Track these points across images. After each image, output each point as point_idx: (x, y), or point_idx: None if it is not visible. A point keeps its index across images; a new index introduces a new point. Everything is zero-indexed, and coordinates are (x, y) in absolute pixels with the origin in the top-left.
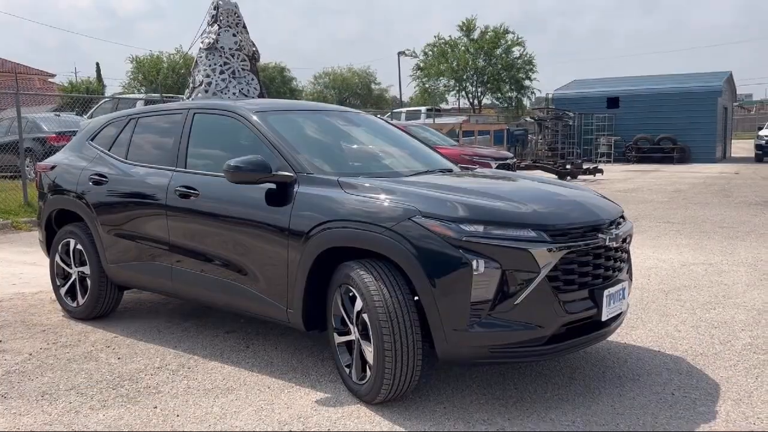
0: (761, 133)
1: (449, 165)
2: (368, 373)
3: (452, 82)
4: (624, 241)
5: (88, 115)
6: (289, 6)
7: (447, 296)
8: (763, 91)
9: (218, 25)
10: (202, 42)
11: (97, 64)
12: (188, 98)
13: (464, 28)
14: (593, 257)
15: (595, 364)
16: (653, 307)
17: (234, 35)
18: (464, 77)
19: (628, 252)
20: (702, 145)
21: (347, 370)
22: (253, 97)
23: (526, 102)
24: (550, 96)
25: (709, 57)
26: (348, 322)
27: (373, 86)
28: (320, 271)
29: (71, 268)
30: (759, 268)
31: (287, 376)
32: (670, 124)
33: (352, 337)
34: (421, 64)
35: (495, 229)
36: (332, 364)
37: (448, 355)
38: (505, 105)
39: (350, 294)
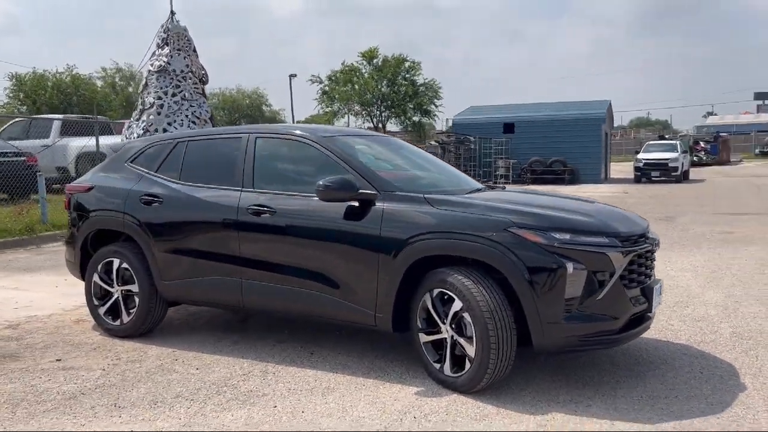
0: (639, 156)
1: (480, 184)
2: (466, 365)
3: (358, 107)
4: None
5: None
6: (157, 24)
7: (544, 294)
8: (619, 118)
9: (169, 47)
10: (151, 64)
11: None
12: (138, 120)
13: (366, 56)
14: (644, 259)
15: (623, 354)
16: None
17: (185, 58)
18: (370, 102)
19: None
20: (589, 167)
21: (437, 365)
22: (204, 120)
23: (436, 125)
24: (450, 121)
25: (569, 86)
26: (439, 322)
27: (264, 108)
28: (407, 278)
29: (113, 288)
30: (700, 273)
31: (370, 375)
32: (560, 148)
33: (442, 335)
34: (327, 89)
35: (578, 237)
36: (402, 362)
37: (544, 345)
38: (409, 129)
39: (445, 297)
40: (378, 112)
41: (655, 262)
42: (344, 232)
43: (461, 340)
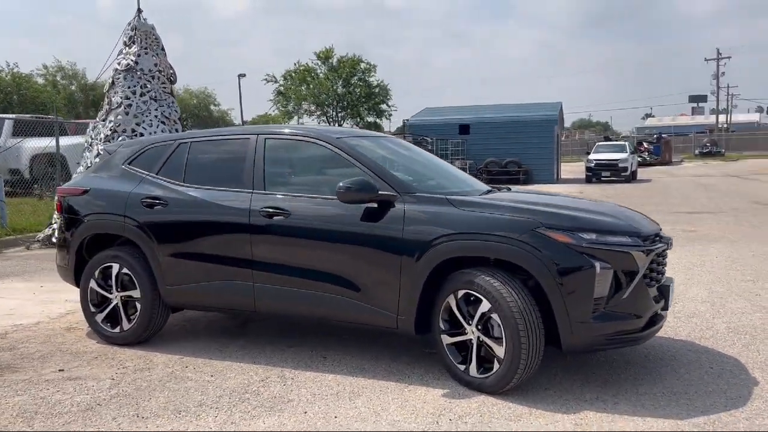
0: (590, 156)
1: (485, 185)
2: (495, 366)
3: (313, 107)
4: None
5: None
6: (96, 22)
7: (573, 294)
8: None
9: (137, 46)
10: (118, 63)
11: None
12: (104, 120)
13: (322, 57)
14: (660, 258)
15: (633, 351)
16: None
17: (153, 57)
18: (325, 102)
19: None
20: (542, 168)
21: (461, 367)
22: (174, 120)
23: (386, 126)
24: (407, 122)
25: (516, 87)
26: (463, 324)
27: (212, 108)
28: (430, 279)
29: (111, 294)
30: (678, 270)
31: (391, 378)
32: (515, 149)
33: (467, 337)
34: (282, 89)
35: (604, 237)
36: (419, 364)
37: (572, 344)
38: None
39: (471, 298)
40: (333, 113)
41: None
42: (365, 235)
43: (488, 341)
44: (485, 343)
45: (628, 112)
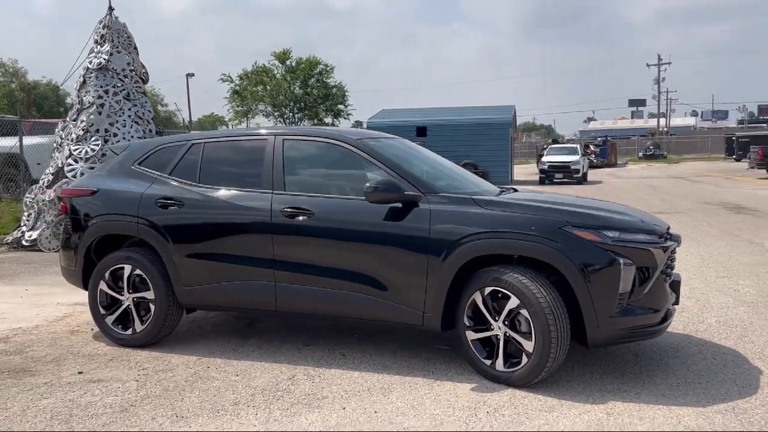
0: (544, 159)
1: (494, 186)
2: (523, 360)
3: (269, 108)
4: None
5: None
6: (34, 19)
7: (600, 290)
8: None
9: (109, 45)
10: (90, 62)
11: None
12: (75, 120)
13: (280, 57)
14: (672, 255)
15: (639, 346)
16: None
17: (126, 56)
18: (282, 103)
19: None
20: (498, 170)
21: (487, 362)
22: (147, 120)
23: (343, 126)
24: (364, 124)
25: (461, 90)
26: (489, 320)
27: (159, 108)
28: (457, 277)
29: (122, 295)
30: None
31: (416, 374)
32: (471, 151)
33: (494, 332)
34: (238, 89)
35: (626, 235)
36: (439, 360)
37: (598, 338)
38: None
39: (498, 294)
40: (290, 113)
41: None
42: (391, 234)
43: (516, 336)
44: (512, 338)
45: (570, 115)
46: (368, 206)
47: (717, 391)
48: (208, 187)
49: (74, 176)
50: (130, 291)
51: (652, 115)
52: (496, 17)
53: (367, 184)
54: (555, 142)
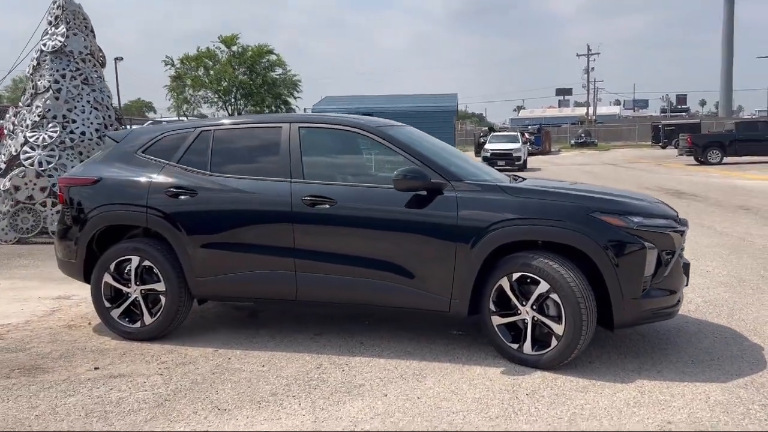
0: (486, 146)
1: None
2: (552, 343)
3: (210, 94)
4: None
5: None
6: None
7: (627, 273)
8: None
9: (65, 26)
10: (44, 44)
11: None
12: (29, 105)
13: (226, 42)
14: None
15: (643, 327)
16: None
17: (83, 39)
18: (227, 89)
19: None
20: None
21: (514, 346)
22: (107, 106)
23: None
24: (309, 111)
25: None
26: (517, 304)
27: None
28: (485, 263)
29: (129, 288)
30: None
31: (441, 359)
32: None
33: (521, 317)
34: (179, 74)
35: (648, 220)
36: (460, 345)
37: (624, 320)
38: None
39: (527, 280)
40: (234, 100)
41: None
42: (417, 222)
43: (545, 320)
44: (541, 322)
45: (501, 104)
46: (391, 194)
47: (731, 367)
48: (221, 176)
49: (32, 164)
50: (138, 283)
51: (578, 104)
52: (427, 4)
53: (396, 172)
54: (491, 130)
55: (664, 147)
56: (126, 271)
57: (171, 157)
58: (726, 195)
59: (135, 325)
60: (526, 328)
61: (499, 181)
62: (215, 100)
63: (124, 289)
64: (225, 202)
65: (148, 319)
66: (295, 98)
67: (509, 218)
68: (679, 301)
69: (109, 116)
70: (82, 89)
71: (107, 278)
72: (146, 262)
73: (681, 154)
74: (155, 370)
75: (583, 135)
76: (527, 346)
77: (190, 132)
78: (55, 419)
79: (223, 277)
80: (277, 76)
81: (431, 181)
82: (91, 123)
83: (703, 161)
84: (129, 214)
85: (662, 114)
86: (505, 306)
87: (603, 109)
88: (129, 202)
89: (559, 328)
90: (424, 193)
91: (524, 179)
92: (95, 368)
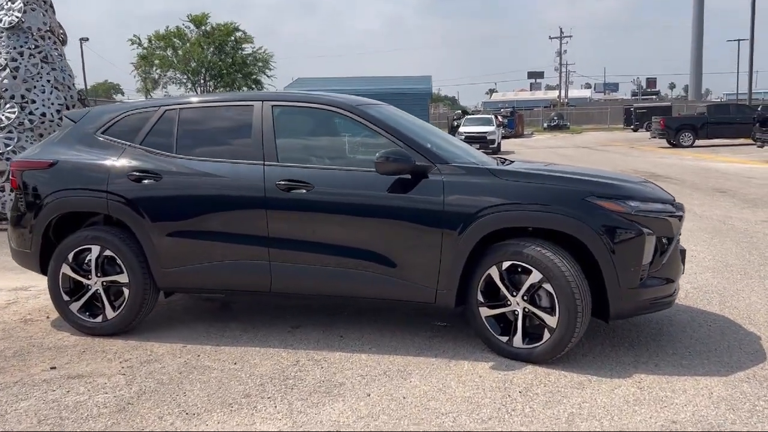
0: (461, 129)
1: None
2: (545, 336)
3: (178, 74)
4: None
5: None
6: None
7: (624, 262)
8: None
9: (21, 1)
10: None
11: None
12: None
13: (196, 21)
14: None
15: (639, 318)
16: None
17: (42, 14)
18: (195, 70)
19: None
20: None
21: (503, 339)
22: (68, 86)
23: None
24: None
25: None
26: (507, 295)
27: None
28: (473, 252)
29: (90, 279)
30: None
31: (427, 354)
32: None
33: (511, 308)
34: (145, 53)
35: (647, 204)
36: (443, 338)
37: (622, 310)
38: None
39: (518, 269)
40: (203, 81)
41: None
42: (401, 208)
43: (537, 311)
44: (533, 313)
45: (473, 87)
46: (373, 177)
47: (730, 359)
48: (188, 159)
49: None
50: (99, 274)
51: (549, 87)
52: None
53: (378, 154)
54: (464, 113)
55: (635, 130)
56: (86, 262)
57: (133, 138)
58: (701, 177)
59: (96, 320)
60: (516, 320)
61: (487, 163)
62: (184, 81)
63: (84, 281)
64: (192, 186)
65: (110, 313)
66: (268, 77)
67: (499, 203)
68: (676, 290)
69: (71, 96)
70: (42, 68)
71: (65, 269)
72: (107, 252)
73: (653, 137)
74: (117, 370)
75: (555, 118)
76: (518, 339)
77: (154, 111)
78: (3, 427)
79: (191, 268)
80: (248, 55)
81: (416, 164)
82: (52, 103)
83: (675, 144)
84: (88, 200)
85: (633, 97)
86: (494, 297)
87: (574, 93)
88: (87, 187)
89: (552, 320)
90: (408, 176)
91: (512, 161)
92: (52, 368)
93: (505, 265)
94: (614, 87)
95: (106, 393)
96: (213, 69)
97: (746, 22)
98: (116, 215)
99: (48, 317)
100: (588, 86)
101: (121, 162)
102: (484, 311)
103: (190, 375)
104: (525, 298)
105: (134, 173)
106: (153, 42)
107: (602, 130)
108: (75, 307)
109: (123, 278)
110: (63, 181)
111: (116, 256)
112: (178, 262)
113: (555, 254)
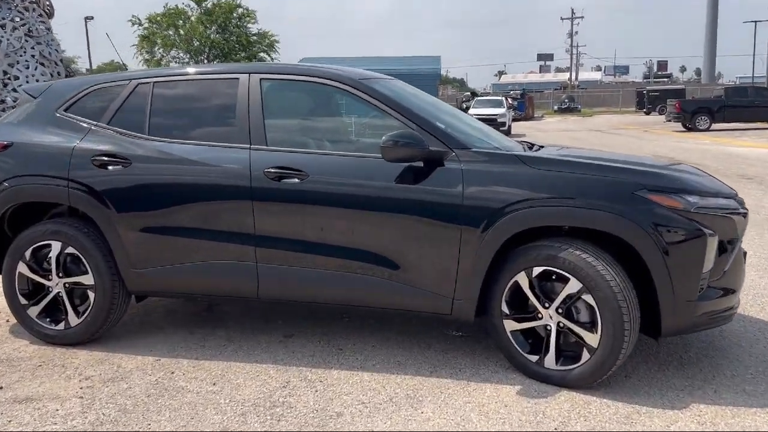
0: (471, 111)
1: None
2: (583, 357)
3: (182, 54)
4: None
5: None
6: None
7: (681, 269)
8: None
9: None
10: None
11: None
12: None
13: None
14: None
15: None
16: None
17: None
18: (198, 50)
19: None
20: None
21: (533, 357)
22: (55, 62)
23: None
24: None
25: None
26: (538, 306)
27: None
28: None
29: (50, 281)
30: None
31: (441, 373)
32: None
33: (542, 322)
34: (147, 33)
35: (706, 200)
36: (459, 352)
37: (674, 327)
38: None
39: (552, 276)
40: (206, 61)
41: None
42: (411, 201)
43: (574, 327)
44: (568, 329)
45: (482, 69)
46: (378, 165)
47: None
48: (163, 141)
49: None
50: (61, 275)
51: (559, 70)
52: None
53: (385, 137)
54: (474, 95)
55: (648, 113)
56: (46, 260)
57: (100, 116)
58: (723, 163)
59: (58, 327)
60: (548, 337)
61: (513, 149)
62: (187, 60)
63: (45, 282)
64: (166, 173)
65: (73, 319)
66: (272, 58)
67: (531, 197)
68: (737, 302)
69: (58, 72)
70: (26, 42)
71: (22, 268)
72: (70, 249)
73: (668, 120)
74: (75, 391)
75: (566, 100)
76: (550, 359)
77: (124, 85)
78: None
79: (166, 269)
80: (253, 34)
81: (429, 149)
82: (37, 80)
83: (690, 127)
84: (46, 188)
85: (645, 80)
86: (521, 308)
87: (585, 75)
88: (46, 173)
89: (592, 339)
90: (421, 164)
91: (542, 146)
92: None
93: (537, 271)
94: (625, 69)
95: (55, 424)
96: (216, 48)
97: (759, 3)
98: (79, 206)
99: (8, 320)
100: (598, 68)
101: (84, 144)
102: (510, 325)
103: (159, 399)
104: (560, 311)
105: (99, 158)
106: (153, 22)
107: (614, 113)
108: (34, 311)
109: (88, 280)
110: (18, 166)
111: (80, 254)
112: (150, 263)
113: (598, 259)
